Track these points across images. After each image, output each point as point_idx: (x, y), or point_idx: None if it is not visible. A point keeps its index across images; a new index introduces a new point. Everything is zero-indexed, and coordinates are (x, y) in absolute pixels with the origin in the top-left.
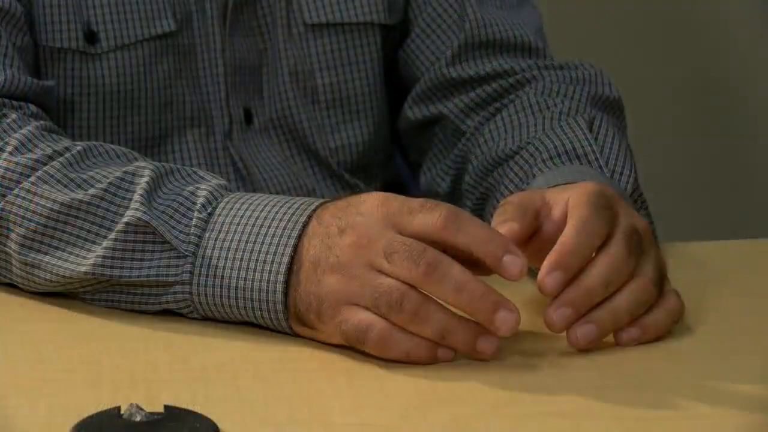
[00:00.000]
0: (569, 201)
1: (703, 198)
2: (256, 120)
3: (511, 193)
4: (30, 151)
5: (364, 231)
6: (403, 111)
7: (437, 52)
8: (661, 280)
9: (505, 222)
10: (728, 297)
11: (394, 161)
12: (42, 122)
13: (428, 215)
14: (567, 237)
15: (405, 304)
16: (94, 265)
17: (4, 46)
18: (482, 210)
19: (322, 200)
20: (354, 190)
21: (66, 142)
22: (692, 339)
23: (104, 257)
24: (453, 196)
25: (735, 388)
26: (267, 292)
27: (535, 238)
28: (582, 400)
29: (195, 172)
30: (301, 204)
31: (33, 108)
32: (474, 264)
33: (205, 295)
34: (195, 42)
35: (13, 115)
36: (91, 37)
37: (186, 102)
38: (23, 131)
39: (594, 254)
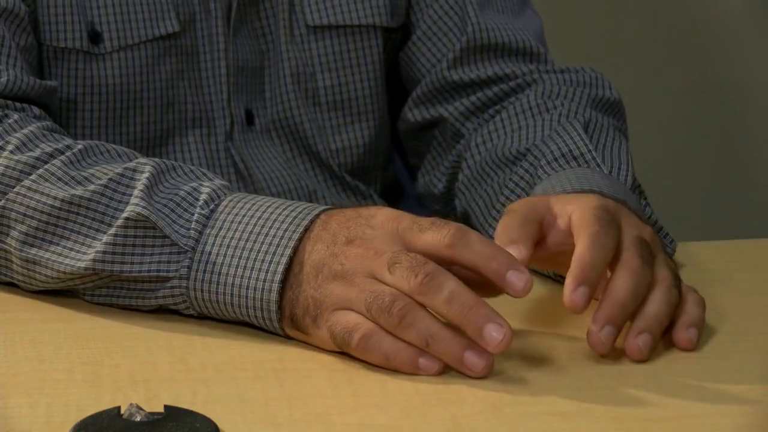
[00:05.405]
0: (573, 215)
1: (703, 198)
2: (257, 121)
3: (518, 197)
4: (31, 150)
5: (372, 243)
6: (403, 113)
7: (438, 55)
8: (677, 280)
9: (511, 243)
10: (728, 297)
11: (393, 163)
12: (44, 122)
13: (436, 232)
14: (584, 252)
15: (394, 307)
16: (93, 260)
17: (8, 47)
18: (474, 208)
19: (325, 207)
20: (354, 191)
21: (67, 141)
22: None
23: (104, 252)
24: (448, 197)
25: (735, 388)
26: (262, 291)
27: (540, 245)
28: (582, 400)
29: (196, 170)
30: (304, 208)
31: (36, 110)
32: (483, 286)
33: (201, 290)
34: (198, 43)
35: (15, 116)
36: (94, 37)
37: (188, 102)
38: (24, 131)
39: (609, 269)
